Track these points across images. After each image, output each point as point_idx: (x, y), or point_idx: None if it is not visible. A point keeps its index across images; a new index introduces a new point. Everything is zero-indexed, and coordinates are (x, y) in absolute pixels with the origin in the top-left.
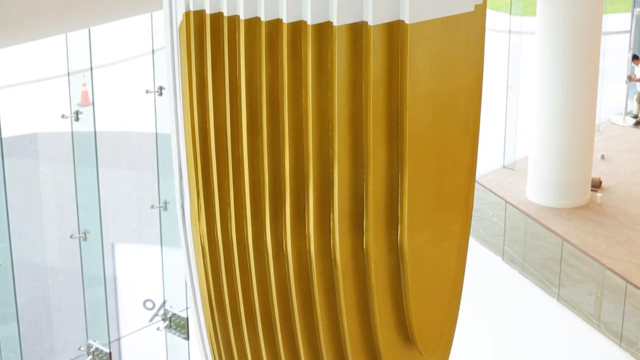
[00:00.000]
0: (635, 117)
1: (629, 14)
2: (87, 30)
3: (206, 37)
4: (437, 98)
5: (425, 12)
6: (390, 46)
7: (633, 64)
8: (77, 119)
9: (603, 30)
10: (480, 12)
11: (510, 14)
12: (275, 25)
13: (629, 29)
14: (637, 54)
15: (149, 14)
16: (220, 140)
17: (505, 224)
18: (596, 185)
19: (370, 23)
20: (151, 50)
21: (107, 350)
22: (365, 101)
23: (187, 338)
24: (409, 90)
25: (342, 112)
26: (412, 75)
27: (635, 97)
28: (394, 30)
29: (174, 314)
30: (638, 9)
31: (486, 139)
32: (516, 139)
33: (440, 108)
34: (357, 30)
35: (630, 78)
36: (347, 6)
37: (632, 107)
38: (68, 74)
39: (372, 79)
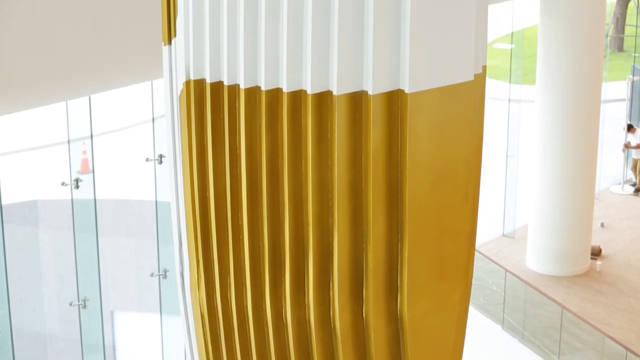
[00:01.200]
0: (634, 185)
1: (624, 82)
2: (87, 98)
3: (206, 105)
4: (437, 166)
5: (424, 82)
6: (390, 115)
7: (630, 133)
8: (77, 187)
9: (602, 98)
10: (479, 81)
11: (510, 82)
12: (275, 94)
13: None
14: (632, 122)
15: (150, 82)
16: (220, 209)
17: (504, 292)
18: (596, 253)
19: (370, 92)
20: (151, 118)
21: None
22: (365, 170)
23: None
24: (409, 159)
25: (341, 181)
26: (411, 143)
27: (631, 165)
28: (394, 99)
29: None
30: (631, 76)
31: (486, 207)
32: (516, 208)
33: (439, 177)
34: (357, 100)
35: (626, 146)
36: (347, 76)
37: (631, 175)
38: (68, 141)
39: (371, 147)
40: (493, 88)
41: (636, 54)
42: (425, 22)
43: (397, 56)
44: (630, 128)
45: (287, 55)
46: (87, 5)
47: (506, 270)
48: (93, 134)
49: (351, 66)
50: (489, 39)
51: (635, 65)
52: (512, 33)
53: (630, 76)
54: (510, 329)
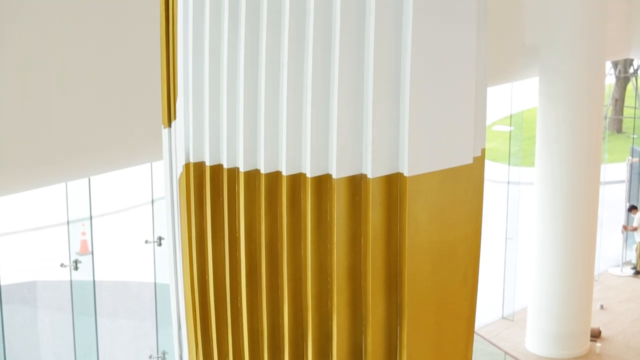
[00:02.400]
0: (634, 267)
1: (624, 163)
2: (87, 179)
3: (206, 188)
4: (436, 249)
5: (424, 165)
6: (389, 198)
7: (632, 214)
8: (76, 268)
9: (602, 180)
10: (479, 164)
11: (509, 164)
12: (274, 177)
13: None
14: (634, 203)
15: (149, 164)
16: (219, 291)
17: None
18: (595, 335)
19: (369, 176)
20: (151, 200)
21: None
22: (364, 253)
23: None
24: (408, 242)
25: (341, 264)
26: (410, 227)
27: (634, 246)
28: (393, 183)
29: None
30: (631, 158)
31: (485, 290)
32: (515, 290)
33: (439, 259)
34: (356, 183)
35: (625, 228)
36: (346, 159)
37: (631, 256)
38: (67, 222)
39: (371, 230)
40: (492, 170)
41: (635, 136)
42: (424, 106)
43: (396, 140)
44: (632, 209)
45: (287, 139)
46: (87, 87)
47: (506, 352)
48: (92, 215)
49: (350, 150)
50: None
51: (635, 147)
52: (511, 115)
53: (630, 157)
54: None
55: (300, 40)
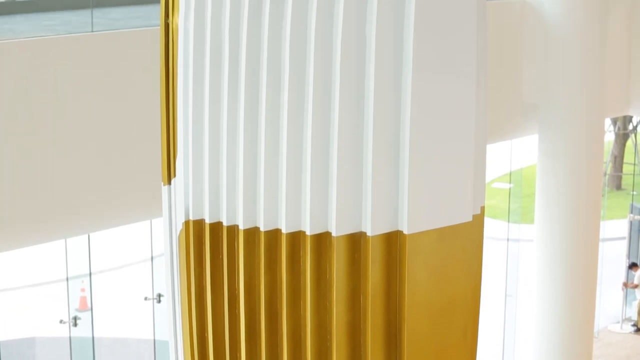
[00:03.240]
0: (635, 324)
1: (625, 220)
2: (86, 235)
3: (205, 245)
4: (435, 307)
5: (423, 223)
6: (389, 256)
7: (632, 271)
8: (75, 325)
9: (601, 236)
10: (478, 222)
11: (509, 221)
12: (274, 235)
13: (626, 235)
14: (635, 261)
15: (149, 221)
16: (218, 349)
17: None
18: None
19: (368, 234)
20: (150, 257)
21: None
22: (364, 310)
23: None
24: (407, 299)
25: (340, 321)
26: (410, 284)
27: (634, 303)
28: (392, 240)
29: None
30: (632, 215)
31: (485, 347)
32: (515, 347)
33: (438, 316)
34: (356, 240)
35: (625, 284)
36: (346, 217)
37: (631, 313)
38: (67, 278)
39: (370, 288)
40: (492, 227)
41: (634, 192)
42: (423, 164)
43: (396, 197)
44: (633, 266)
45: (286, 197)
46: (86, 144)
47: None
48: (92, 271)
49: (350, 207)
50: (488, 179)
51: (634, 204)
52: (510, 172)
53: (631, 215)
54: None
55: (300, 99)
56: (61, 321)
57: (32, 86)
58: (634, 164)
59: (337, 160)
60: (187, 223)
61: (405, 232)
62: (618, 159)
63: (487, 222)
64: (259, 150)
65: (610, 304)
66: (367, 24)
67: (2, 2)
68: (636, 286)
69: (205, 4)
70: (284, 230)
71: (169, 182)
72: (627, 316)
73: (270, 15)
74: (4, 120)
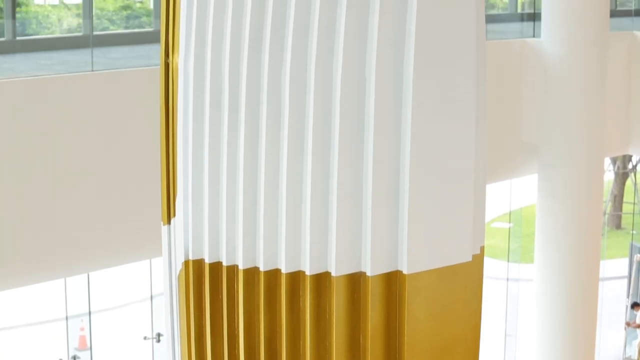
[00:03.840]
0: None
1: (625, 259)
2: (86, 274)
3: (205, 285)
4: (435, 346)
5: (423, 263)
6: (388, 296)
7: (634, 311)
8: None
9: (601, 276)
10: (478, 262)
11: (508, 261)
12: (274, 274)
13: (625, 274)
14: (637, 301)
15: (148, 261)
16: None
17: None
18: None
19: (368, 274)
20: (150, 296)
21: None
22: (364, 350)
23: None
24: (407, 339)
25: None
26: (409, 324)
27: (634, 342)
28: (392, 280)
29: None
30: (638, 255)
31: None
32: None
33: (438, 356)
34: (356, 280)
35: (628, 324)
36: (346, 257)
37: (631, 352)
38: (66, 318)
39: (370, 328)
40: (491, 267)
41: (634, 232)
42: (423, 204)
43: (395, 237)
44: (635, 306)
45: (286, 237)
46: (86, 183)
47: None
48: (91, 310)
49: (349, 247)
50: (487, 218)
51: (634, 243)
52: (510, 212)
53: (637, 255)
54: None
55: (299, 140)
56: None
57: (31, 124)
58: (634, 203)
59: (337, 200)
60: (186, 263)
61: (405, 272)
62: (618, 198)
63: (487, 261)
64: (259, 189)
65: (610, 344)
66: (366, 64)
67: (1, 41)
68: (639, 326)
69: (205, 44)
70: (283, 270)
71: (169, 222)
72: (627, 355)
73: (270, 55)
74: (3, 158)
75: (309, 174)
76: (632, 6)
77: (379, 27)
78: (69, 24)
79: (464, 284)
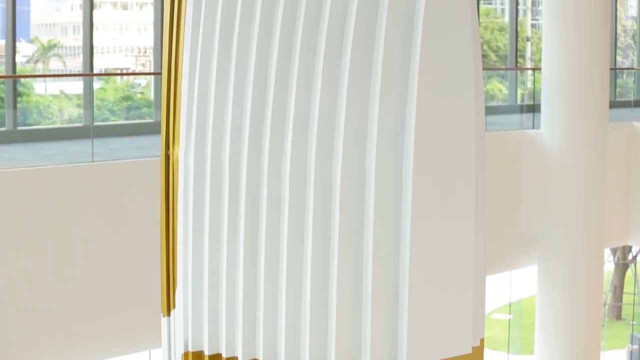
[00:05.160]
0: None
1: (624, 350)
2: None
3: None
4: None
5: (422, 356)
6: None
7: None
8: None
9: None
10: (477, 354)
11: (509, 353)
12: None
13: None
14: None
15: (147, 352)
16: None
17: None
18: None
19: None
20: None
21: None
22: None
23: None
24: None
25: None
26: None
27: None
28: None
29: None
30: (630, 345)
31: None
32: None
33: None
34: None
35: None
36: (345, 350)
37: None
38: None
39: None
40: (491, 359)
41: (634, 322)
42: (422, 298)
43: (395, 330)
44: None
45: (286, 330)
46: (86, 273)
47: None
48: None
49: (349, 341)
50: (487, 310)
51: (634, 334)
52: (510, 303)
53: (629, 345)
54: None
55: (299, 234)
56: None
57: (32, 215)
58: (634, 294)
59: (337, 294)
60: (186, 354)
61: None
62: (618, 289)
63: (487, 353)
64: (258, 283)
65: None
66: (366, 158)
67: (3, 131)
68: None
69: (205, 137)
70: None
71: (169, 314)
72: None
73: (270, 148)
74: (3, 247)
75: (308, 268)
76: (632, 97)
77: (379, 120)
78: (69, 114)
79: None
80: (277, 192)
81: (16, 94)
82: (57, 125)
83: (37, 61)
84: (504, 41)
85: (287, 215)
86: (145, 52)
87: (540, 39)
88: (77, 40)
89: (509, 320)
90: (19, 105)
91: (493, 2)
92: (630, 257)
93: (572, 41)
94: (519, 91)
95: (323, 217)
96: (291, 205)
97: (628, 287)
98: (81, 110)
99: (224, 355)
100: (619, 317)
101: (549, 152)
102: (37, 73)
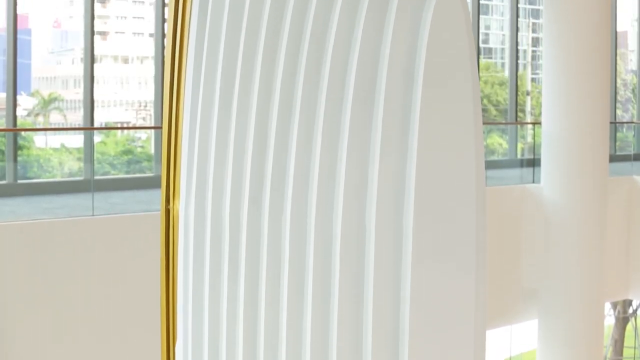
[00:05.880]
0: None
1: None
2: None
3: None
4: None
5: None
6: None
7: None
8: None
9: None
10: None
11: None
12: None
13: None
14: None
15: None
16: None
17: None
18: None
19: None
20: None
21: None
22: None
23: None
24: None
25: None
26: None
27: None
28: None
29: None
30: None
31: None
32: None
33: None
34: None
35: None
36: None
37: None
38: None
39: None
40: None
41: None
42: (422, 354)
43: None
44: None
45: None
46: (85, 327)
47: None
48: None
49: None
50: None
51: None
52: (510, 358)
53: None
54: None
55: (299, 290)
56: None
57: (32, 268)
58: (634, 348)
59: (337, 350)
60: None
61: None
62: (618, 343)
63: None
64: (258, 338)
65: None
66: (367, 215)
67: (3, 184)
68: None
69: (205, 192)
70: None
71: None
72: None
73: (270, 205)
74: (3, 301)
75: (308, 325)
76: (632, 151)
77: (379, 176)
78: (70, 167)
79: None
80: (277, 248)
81: (17, 147)
82: (58, 178)
83: (37, 114)
84: (504, 95)
85: (287, 271)
86: (145, 106)
87: (540, 93)
88: (77, 93)
89: None
90: (19, 158)
91: (493, 56)
92: (630, 310)
93: (572, 95)
94: (519, 145)
95: (323, 273)
96: (291, 261)
97: (629, 341)
98: (81, 164)
99: None
100: None
101: (549, 206)
102: (38, 126)
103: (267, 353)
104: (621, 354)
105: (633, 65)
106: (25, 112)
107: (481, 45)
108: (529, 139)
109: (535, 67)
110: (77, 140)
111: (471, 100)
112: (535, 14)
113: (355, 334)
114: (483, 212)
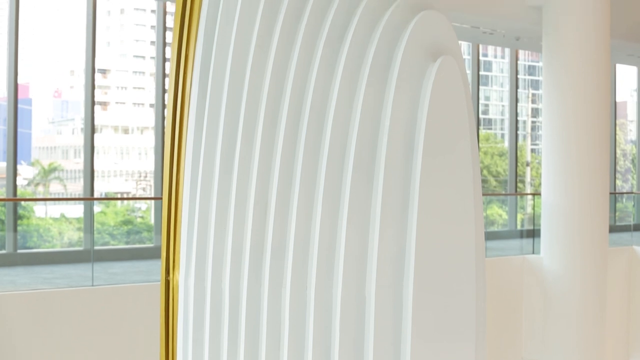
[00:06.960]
0: None
1: None
2: None
3: None
4: None
5: None
6: None
7: None
8: None
9: None
10: None
11: None
12: None
13: None
14: None
15: None
16: None
17: None
18: None
19: None
20: None
21: None
22: None
23: None
24: None
25: None
26: None
27: None
28: None
29: None
30: None
31: None
32: None
33: None
34: None
35: None
36: None
37: None
38: None
39: None
40: None
41: None
42: None
43: None
44: None
45: None
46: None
47: None
48: None
49: None
50: None
51: None
52: None
53: None
54: None
55: (299, 356)
56: None
57: (31, 338)
58: None
59: None
60: None
61: None
62: None
63: None
64: None
65: None
66: (366, 286)
67: (3, 254)
68: None
69: (205, 263)
70: None
71: None
72: None
73: (270, 276)
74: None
75: None
76: (632, 221)
77: (379, 246)
78: (69, 237)
79: None
80: (277, 318)
81: (17, 217)
82: (57, 248)
83: (37, 184)
84: (503, 166)
85: (287, 342)
86: (146, 176)
87: (540, 163)
88: (78, 163)
89: None
90: (19, 228)
91: (493, 127)
92: None
93: (571, 166)
94: (519, 216)
95: (322, 344)
96: (291, 332)
97: None
98: (81, 234)
99: None
100: None
101: (549, 277)
102: (38, 196)
103: None
104: None
105: (632, 136)
106: (26, 182)
107: (481, 116)
108: (529, 210)
109: (534, 138)
110: (77, 210)
111: (471, 171)
112: (535, 84)
113: None
114: (483, 283)
